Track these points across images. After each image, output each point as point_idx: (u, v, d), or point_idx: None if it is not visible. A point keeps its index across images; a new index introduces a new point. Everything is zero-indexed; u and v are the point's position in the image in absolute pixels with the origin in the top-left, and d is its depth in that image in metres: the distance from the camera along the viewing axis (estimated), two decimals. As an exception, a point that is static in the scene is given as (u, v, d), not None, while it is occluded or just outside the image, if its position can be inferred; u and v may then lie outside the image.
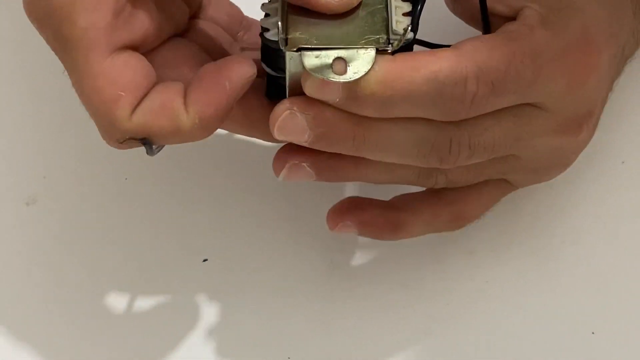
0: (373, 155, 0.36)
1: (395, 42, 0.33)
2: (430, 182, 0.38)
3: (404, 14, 0.34)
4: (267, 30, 0.34)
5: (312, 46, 0.33)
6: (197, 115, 0.33)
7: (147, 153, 0.34)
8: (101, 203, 0.45)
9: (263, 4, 0.35)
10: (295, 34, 0.34)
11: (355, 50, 0.33)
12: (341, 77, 0.32)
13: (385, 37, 0.33)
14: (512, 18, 0.36)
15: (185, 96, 0.34)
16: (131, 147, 0.34)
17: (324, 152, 0.36)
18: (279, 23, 0.33)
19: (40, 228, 0.44)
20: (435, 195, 0.40)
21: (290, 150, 0.36)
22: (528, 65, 0.34)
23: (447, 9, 0.40)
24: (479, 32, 0.37)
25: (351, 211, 0.39)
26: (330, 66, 0.33)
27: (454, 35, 0.36)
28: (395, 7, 0.34)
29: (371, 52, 0.33)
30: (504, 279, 0.42)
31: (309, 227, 0.44)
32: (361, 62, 0.33)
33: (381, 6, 0.34)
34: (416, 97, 0.33)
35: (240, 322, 0.42)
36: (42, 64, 0.49)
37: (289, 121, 0.34)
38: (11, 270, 0.44)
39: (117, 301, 0.42)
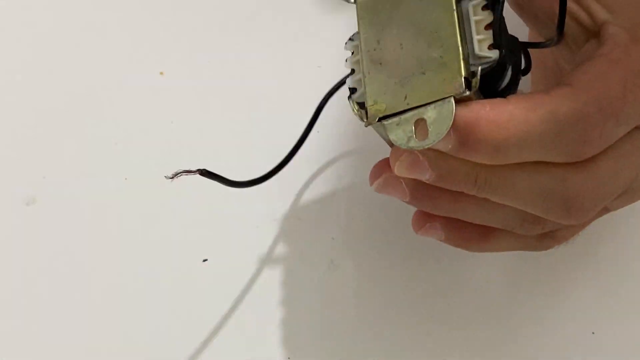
0: (495, 197, 0.33)
1: (474, 82, 0.30)
2: (535, 229, 0.36)
3: (487, 27, 0.30)
4: (355, 90, 0.33)
5: (389, 113, 0.31)
6: None
7: None
8: (101, 203, 0.45)
9: (347, 59, 0.34)
10: (373, 102, 0.31)
11: (432, 107, 0.30)
12: (424, 142, 0.30)
13: (462, 76, 0.30)
14: (588, 29, 0.34)
15: None
16: None
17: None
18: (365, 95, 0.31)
19: (40, 228, 0.44)
20: None
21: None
22: (639, 85, 0.32)
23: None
24: (532, 33, 0.36)
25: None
26: (413, 132, 0.30)
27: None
28: (475, 22, 0.30)
29: (449, 105, 0.30)
30: (504, 279, 0.42)
31: (309, 227, 0.44)
32: (440, 119, 0.30)
33: (452, 33, 0.30)
34: (532, 141, 0.31)
35: (240, 322, 0.42)
36: (42, 63, 0.49)
37: (411, 160, 0.32)
38: (11, 270, 0.44)
39: (117, 301, 0.42)
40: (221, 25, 0.49)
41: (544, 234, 0.37)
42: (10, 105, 0.48)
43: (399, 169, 0.33)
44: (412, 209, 0.39)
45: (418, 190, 0.35)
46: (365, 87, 0.32)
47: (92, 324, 0.42)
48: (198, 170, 0.34)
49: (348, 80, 0.33)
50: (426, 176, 0.33)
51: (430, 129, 0.30)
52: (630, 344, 0.41)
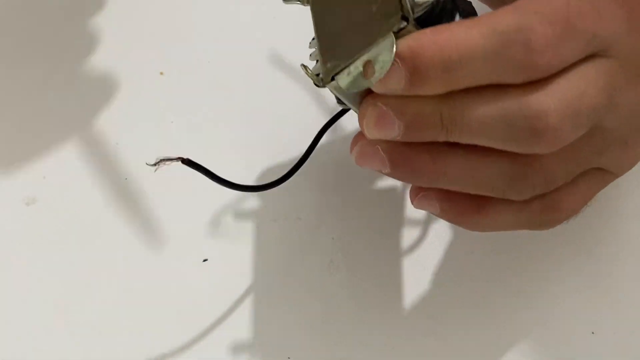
0: (464, 137, 0.33)
1: (411, 13, 0.32)
2: (524, 186, 0.35)
3: None
4: (318, 75, 0.35)
5: (341, 68, 0.33)
6: None
7: None
8: (101, 203, 0.45)
9: (311, 54, 0.36)
10: (327, 66, 0.34)
11: (376, 46, 0.32)
12: (372, 78, 0.32)
13: (399, 14, 0.32)
14: None
15: None
16: None
17: (400, 142, 0.34)
18: (320, 68, 0.34)
19: (40, 228, 0.44)
20: None
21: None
22: (585, 3, 0.32)
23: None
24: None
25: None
26: (362, 74, 0.32)
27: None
28: None
29: (389, 38, 0.32)
30: (504, 280, 0.42)
31: (309, 227, 0.44)
32: (384, 53, 0.32)
33: None
34: (477, 55, 0.31)
35: (240, 322, 0.42)
36: (42, 63, 0.49)
37: (376, 114, 0.33)
38: (11, 270, 0.44)
39: (116, 301, 0.42)
40: (221, 26, 0.50)
41: (543, 205, 0.36)
42: (10, 104, 0.48)
43: (367, 127, 0.33)
44: (410, 207, 0.39)
45: (395, 154, 0.35)
46: (320, 59, 0.35)
47: (92, 323, 0.42)
48: (179, 158, 0.36)
49: (313, 68, 0.36)
50: (395, 130, 0.33)
51: (376, 66, 0.32)
52: (630, 344, 0.41)
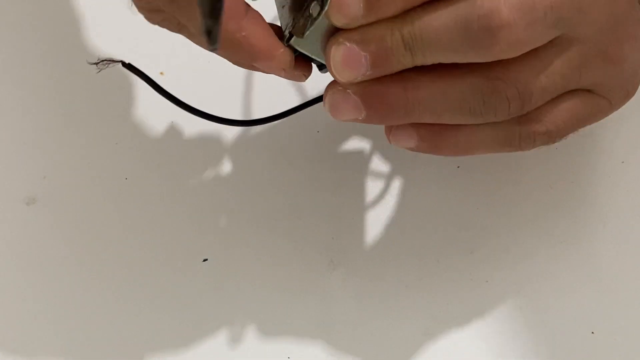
0: (427, 54, 0.34)
1: None
2: (499, 101, 0.34)
3: None
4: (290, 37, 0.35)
5: (299, 18, 0.34)
6: None
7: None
8: (101, 203, 0.45)
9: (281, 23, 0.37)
10: (291, 23, 0.35)
11: None
12: (324, 6, 0.32)
13: None
14: None
15: None
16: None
17: (369, 81, 0.34)
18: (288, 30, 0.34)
19: (40, 228, 0.44)
20: None
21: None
22: None
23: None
24: None
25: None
26: (318, 14, 0.33)
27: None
28: None
29: None
30: (504, 279, 0.42)
31: (309, 227, 0.44)
32: None
33: None
34: None
35: (240, 322, 0.42)
36: (42, 63, 0.49)
37: (342, 51, 0.34)
38: (11, 270, 0.44)
39: (117, 301, 0.42)
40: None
41: (523, 118, 0.36)
42: (11, 105, 0.48)
43: (336, 69, 0.34)
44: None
45: (366, 93, 0.35)
46: (282, 19, 0.36)
47: (92, 323, 0.42)
48: (121, 61, 0.37)
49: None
50: (363, 64, 0.33)
51: None
52: (630, 344, 0.41)
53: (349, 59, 0.34)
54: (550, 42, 0.34)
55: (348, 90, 0.35)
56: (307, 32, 0.34)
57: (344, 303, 0.42)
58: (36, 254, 0.44)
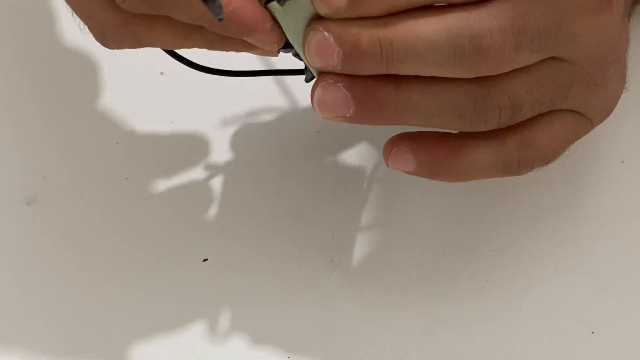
0: (408, 63, 0.33)
1: None
2: (490, 108, 0.35)
3: None
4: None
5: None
6: None
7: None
8: (101, 203, 0.45)
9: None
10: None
11: None
12: None
13: None
14: None
15: None
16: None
17: (360, 76, 0.34)
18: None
19: (40, 228, 0.44)
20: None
21: (328, 73, 0.35)
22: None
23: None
24: None
25: (407, 137, 0.36)
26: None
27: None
28: None
29: None
30: (504, 279, 0.42)
31: (309, 227, 0.44)
32: None
33: None
34: None
35: (240, 322, 0.42)
36: (42, 63, 0.49)
37: (316, 41, 0.33)
38: (11, 270, 0.44)
39: (117, 301, 0.42)
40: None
41: (519, 142, 0.36)
42: (11, 105, 0.48)
43: (309, 54, 0.33)
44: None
45: (358, 88, 0.34)
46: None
47: (92, 323, 0.42)
48: None
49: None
50: (334, 58, 0.33)
51: None
52: (630, 344, 0.41)
53: (322, 49, 0.33)
54: (542, 60, 0.34)
55: (339, 84, 0.34)
56: (287, 3, 0.33)
57: (344, 303, 0.42)
58: (36, 253, 0.44)
